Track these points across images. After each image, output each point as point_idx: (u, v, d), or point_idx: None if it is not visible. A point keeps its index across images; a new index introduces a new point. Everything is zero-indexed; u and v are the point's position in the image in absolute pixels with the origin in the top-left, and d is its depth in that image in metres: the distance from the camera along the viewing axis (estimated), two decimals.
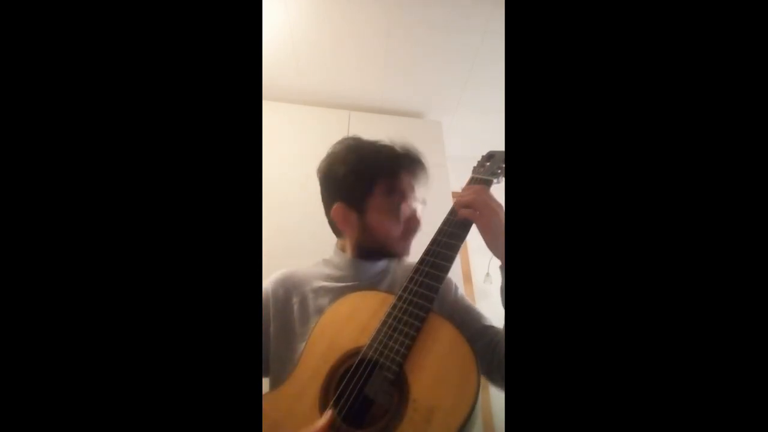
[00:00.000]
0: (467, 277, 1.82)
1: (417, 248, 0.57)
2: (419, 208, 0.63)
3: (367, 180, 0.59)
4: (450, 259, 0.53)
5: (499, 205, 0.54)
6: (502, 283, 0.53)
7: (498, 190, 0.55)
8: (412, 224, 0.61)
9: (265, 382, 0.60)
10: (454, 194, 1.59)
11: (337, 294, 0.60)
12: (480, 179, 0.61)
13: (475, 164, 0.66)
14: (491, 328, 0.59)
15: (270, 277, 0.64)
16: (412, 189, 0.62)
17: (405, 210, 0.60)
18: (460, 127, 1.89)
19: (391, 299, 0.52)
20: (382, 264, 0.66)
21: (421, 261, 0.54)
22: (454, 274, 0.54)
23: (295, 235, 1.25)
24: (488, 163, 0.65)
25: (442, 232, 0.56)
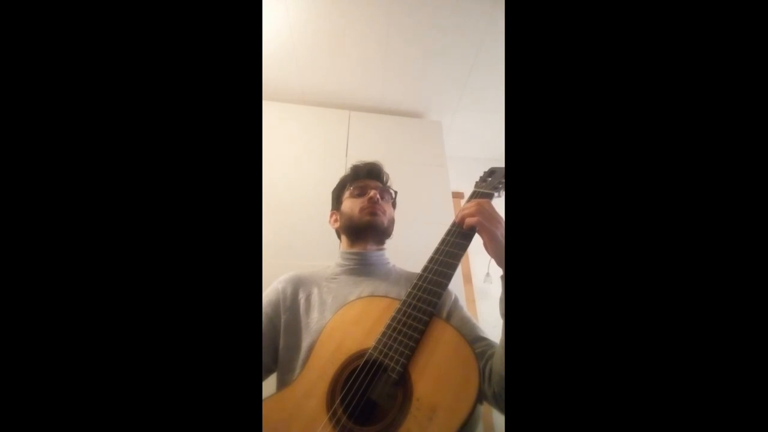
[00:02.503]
0: (467, 278, 1.82)
1: (420, 257, 0.60)
2: (378, 193, 0.80)
3: (341, 189, 0.85)
4: (452, 267, 0.56)
5: (501, 217, 0.58)
6: (501, 293, 0.54)
7: (498, 205, 0.60)
8: (373, 199, 0.78)
9: (273, 377, 0.65)
10: (454, 194, 1.59)
11: (338, 283, 0.71)
12: (482, 193, 0.66)
13: (477, 179, 0.72)
14: (483, 339, 0.61)
15: (280, 277, 0.74)
16: (374, 184, 0.82)
17: (366, 194, 0.79)
18: (460, 127, 1.89)
19: (396, 304, 0.55)
20: (380, 258, 0.78)
21: (425, 268, 0.58)
22: (455, 274, 0.56)
23: (295, 235, 1.25)
24: (490, 179, 0.70)
25: (445, 242, 0.59)
